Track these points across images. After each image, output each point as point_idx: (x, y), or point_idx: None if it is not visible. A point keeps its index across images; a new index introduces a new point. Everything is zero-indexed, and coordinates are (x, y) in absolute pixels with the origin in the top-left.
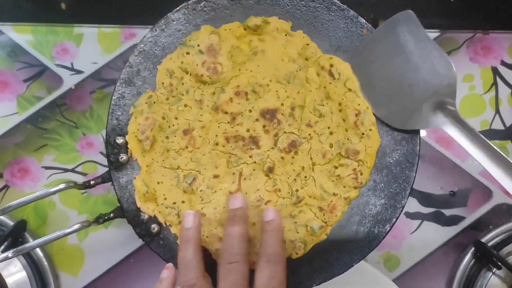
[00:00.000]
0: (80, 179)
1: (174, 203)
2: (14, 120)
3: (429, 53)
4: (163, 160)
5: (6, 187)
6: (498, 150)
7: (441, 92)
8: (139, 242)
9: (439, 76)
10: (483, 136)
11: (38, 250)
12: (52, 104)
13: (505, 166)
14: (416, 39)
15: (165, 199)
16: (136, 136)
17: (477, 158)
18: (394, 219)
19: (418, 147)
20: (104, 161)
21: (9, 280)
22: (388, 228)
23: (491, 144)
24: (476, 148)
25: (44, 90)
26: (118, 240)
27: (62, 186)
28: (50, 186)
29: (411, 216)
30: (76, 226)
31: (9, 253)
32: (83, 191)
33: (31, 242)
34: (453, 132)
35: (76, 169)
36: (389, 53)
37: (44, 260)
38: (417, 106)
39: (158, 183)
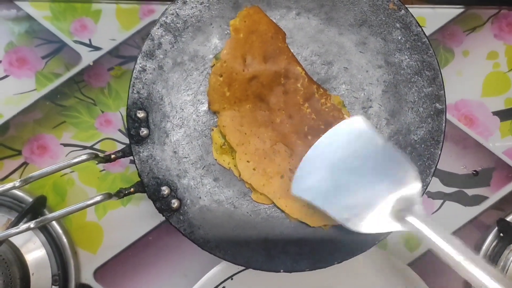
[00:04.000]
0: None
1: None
2: (32, 96)
3: (389, 157)
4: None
5: (25, 164)
6: (470, 250)
7: (406, 195)
8: (158, 220)
9: (402, 179)
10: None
11: (57, 227)
12: (71, 81)
13: (481, 267)
14: (373, 145)
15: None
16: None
17: (452, 262)
18: None
19: (444, 124)
20: (123, 139)
21: (28, 257)
22: None
23: (465, 247)
24: (452, 249)
25: (62, 66)
26: (137, 217)
27: (84, 157)
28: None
29: (433, 196)
30: (98, 198)
31: (31, 224)
32: (101, 168)
33: (53, 213)
34: (426, 236)
35: (95, 147)
36: (348, 159)
37: (63, 237)
38: (381, 211)
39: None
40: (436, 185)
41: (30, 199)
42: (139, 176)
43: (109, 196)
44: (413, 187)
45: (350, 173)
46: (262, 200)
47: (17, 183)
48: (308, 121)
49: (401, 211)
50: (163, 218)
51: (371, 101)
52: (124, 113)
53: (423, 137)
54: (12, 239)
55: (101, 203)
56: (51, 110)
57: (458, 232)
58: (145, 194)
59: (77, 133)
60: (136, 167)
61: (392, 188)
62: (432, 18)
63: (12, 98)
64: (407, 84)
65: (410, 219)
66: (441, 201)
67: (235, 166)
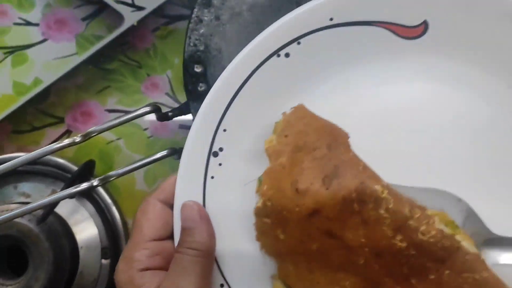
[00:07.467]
0: (145, 124)
1: None
2: (74, 61)
3: None
4: None
5: (68, 132)
6: None
7: None
8: None
9: None
10: None
11: (105, 196)
12: (114, 43)
13: None
14: None
15: None
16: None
17: None
18: None
19: None
20: (171, 103)
21: (75, 229)
22: None
23: None
24: None
25: (104, 28)
26: None
27: (147, 109)
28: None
29: None
30: (164, 152)
31: (94, 181)
32: (149, 134)
33: (117, 170)
34: None
35: None
36: None
37: (113, 207)
38: None
39: None
40: None
41: (75, 168)
42: None
43: (174, 151)
44: None
45: None
46: None
47: (77, 139)
48: (406, 259)
49: None
50: None
51: None
52: (171, 76)
53: None
54: (58, 210)
55: (156, 162)
56: (94, 75)
57: None
58: None
59: (122, 98)
60: None
61: None
62: None
63: (52, 63)
64: None
65: None
66: None
67: None
